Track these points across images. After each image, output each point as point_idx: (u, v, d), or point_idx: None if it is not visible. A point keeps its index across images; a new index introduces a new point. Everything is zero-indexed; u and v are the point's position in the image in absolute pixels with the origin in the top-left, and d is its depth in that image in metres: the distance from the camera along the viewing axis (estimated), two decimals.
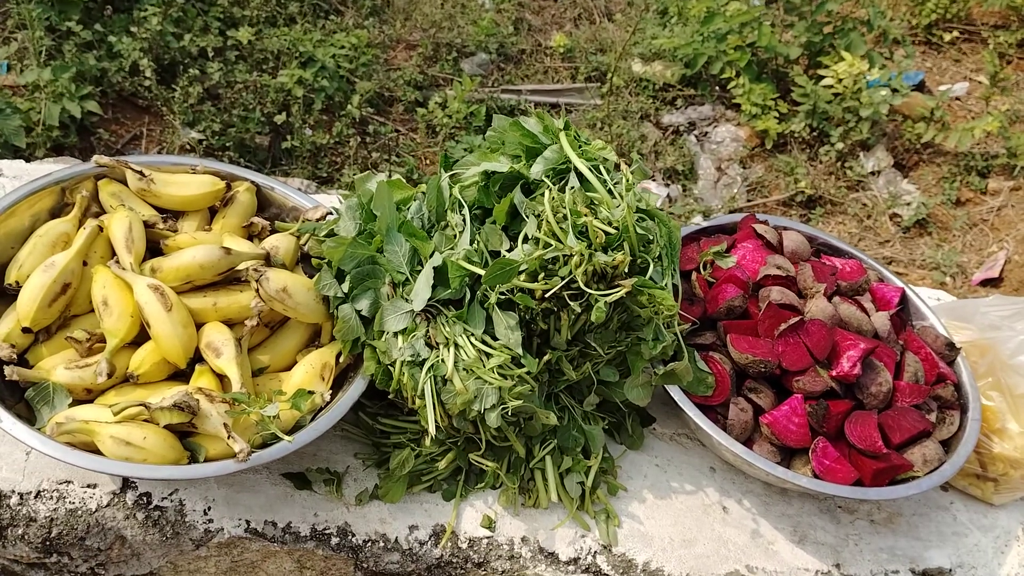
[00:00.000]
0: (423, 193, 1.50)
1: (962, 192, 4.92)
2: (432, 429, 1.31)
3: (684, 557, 1.53)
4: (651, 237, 1.42)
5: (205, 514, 1.39)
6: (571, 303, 1.33)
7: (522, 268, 1.33)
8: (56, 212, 1.54)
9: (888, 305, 1.72)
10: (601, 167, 1.47)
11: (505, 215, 1.41)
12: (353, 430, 1.52)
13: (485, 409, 1.33)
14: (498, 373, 1.34)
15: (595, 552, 1.51)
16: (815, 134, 4.89)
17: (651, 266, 1.40)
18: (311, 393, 1.31)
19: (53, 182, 1.52)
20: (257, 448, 1.27)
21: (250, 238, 1.58)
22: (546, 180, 1.41)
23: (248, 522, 1.40)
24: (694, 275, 1.63)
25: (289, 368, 1.45)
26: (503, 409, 1.35)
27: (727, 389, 1.49)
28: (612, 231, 1.34)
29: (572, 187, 1.41)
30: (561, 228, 1.33)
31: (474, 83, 4.43)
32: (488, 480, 1.50)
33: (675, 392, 1.49)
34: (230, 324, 1.41)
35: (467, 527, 1.48)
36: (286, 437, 1.26)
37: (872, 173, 5.00)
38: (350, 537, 1.43)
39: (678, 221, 1.70)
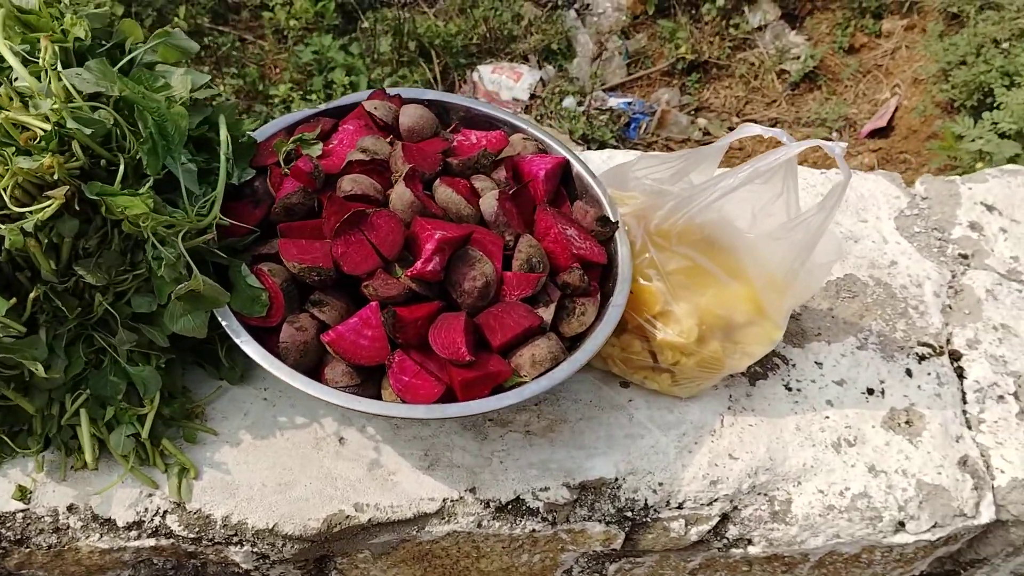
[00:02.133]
0: None
1: (856, 38, 4.56)
2: None
3: (276, 503, 1.31)
4: (120, 129, 1.15)
5: None
6: (2, 226, 1.07)
7: None
8: None
9: (534, 179, 1.45)
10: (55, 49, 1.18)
11: None
12: None
13: None
14: None
15: (164, 512, 1.29)
16: None
17: (122, 165, 1.13)
18: None
19: None
20: None
21: None
22: None
23: None
24: (270, 170, 1.36)
25: None
26: None
27: (281, 306, 1.25)
28: (43, 127, 1.07)
29: (16, 78, 1.13)
30: None
31: None
32: (25, 445, 1.27)
33: (223, 316, 1.25)
34: None
35: None
36: None
37: (759, 28, 4.63)
38: None
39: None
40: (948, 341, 1.67)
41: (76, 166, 1.10)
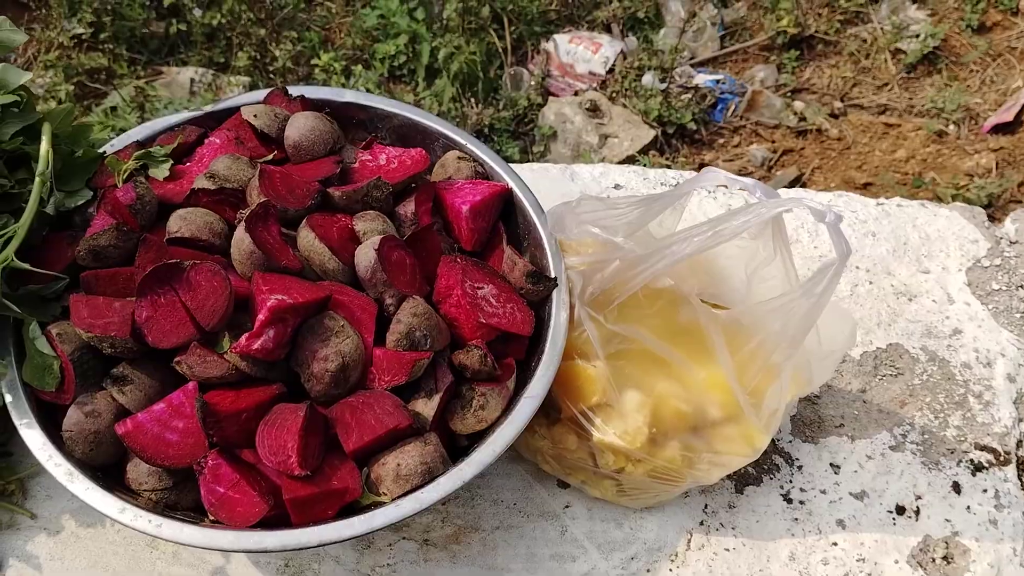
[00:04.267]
0: None
1: (988, 15, 3.95)
2: None
3: None
4: None
5: None
6: None
7: None
8: None
9: (457, 216, 1.11)
10: None
11: None
12: None
13: None
14: None
15: None
16: None
17: None
18: None
19: None
20: None
21: None
22: None
23: None
24: (101, 195, 1.07)
25: None
26: None
27: (71, 381, 0.96)
28: None
29: None
30: None
31: None
32: None
33: (10, 391, 0.97)
34: None
35: None
36: None
37: (874, 0, 4.07)
38: None
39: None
40: (1019, 445, 1.24)
41: None
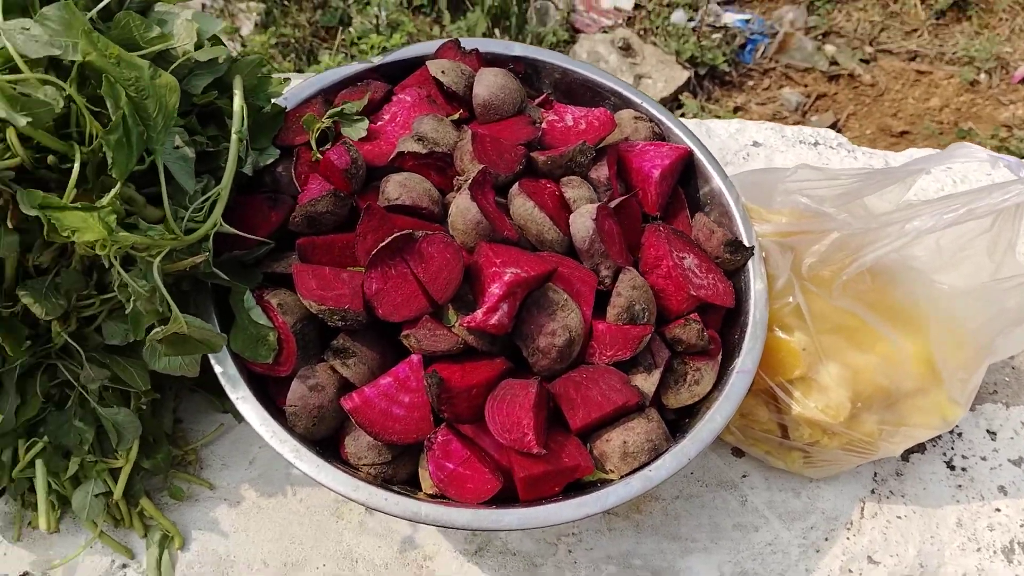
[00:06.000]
0: None
1: None
2: None
3: None
4: (77, 111, 0.82)
5: None
6: None
7: None
8: None
9: (646, 181, 1.08)
10: None
11: None
12: None
13: None
14: None
15: None
16: None
17: (77, 164, 0.80)
18: None
19: None
20: None
21: None
22: None
23: None
24: (296, 154, 1.02)
25: None
26: None
27: (292, 353, 0.92)
28: None
29: None
30: None
31: None
32: None
33: (221, 362, 0.93)
34: None
35: None
36: None
37: None
38: None
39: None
40: None
41: (10, 165, 0.77)
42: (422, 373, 0.91)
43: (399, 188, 0.94)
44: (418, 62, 1.15)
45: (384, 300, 0.90)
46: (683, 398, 0.98)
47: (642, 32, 3.71)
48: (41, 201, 0.77)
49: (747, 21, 3.76)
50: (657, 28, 3.69)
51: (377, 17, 3.36)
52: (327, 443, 0.94)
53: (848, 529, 1.13)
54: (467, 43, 1.15)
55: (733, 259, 1.04)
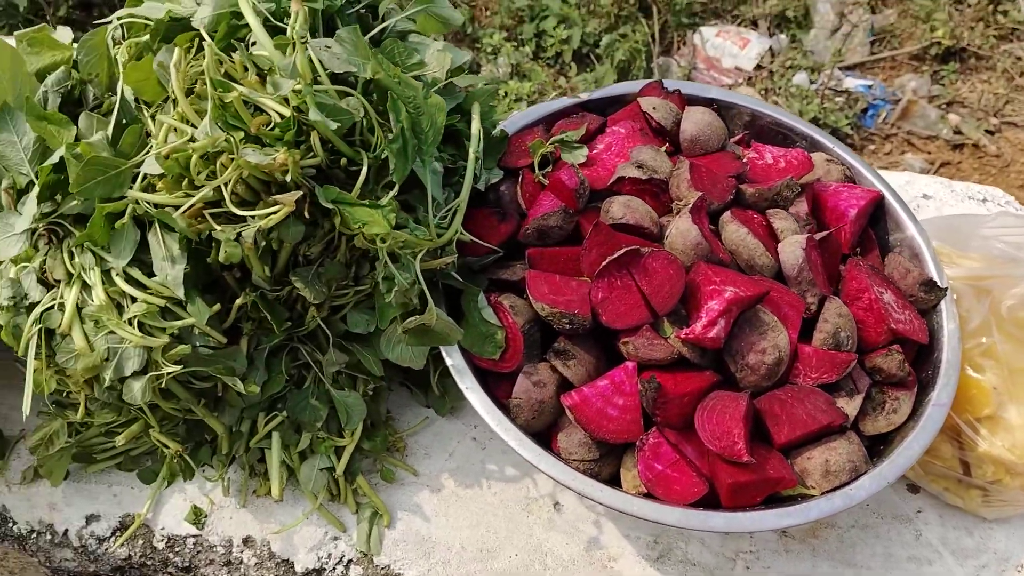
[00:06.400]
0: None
1: None
2: (26, 407, 0.93)
3: (476, 573, 1.10)
4: (368, 120, 0.92)
5: None
6: (218, 227, 0.88)
7: (150, 171, 0.89)
8: None
9: (842, 219, 1.14)
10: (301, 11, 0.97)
11: (157, 86, 0.96)
12: None
13: (125, 377, 0.93)
14: (144, 326, 0.92)
15: (348, 561, 1.10)
16: None
17: (364, 168, 0.91)
18: None
19: None
20: None
21: None
22: (204, 32, 0.93)
23: None
24: (522, 175, 1.12)
25: None
26: (158, 377, 0.94)
27: (519, 351, 1.01)
28: (282, 112, 0.86)
29: (253, 43, 0.93)
30: (194, 109, 0.87)
31: None
32: (209, 459, 1.11)
33: (451, 354, 1.02)
34: None
35: (169, 521, 1.11)
36: None
37: None
38: (11, 525, 1.09)
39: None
40: None
41: (312, 164, 0.88)
42: (636, 379, 0.98)
43: (623, 209, 1.02)
44: (619, 99, 1.25)
45: (608, 308, 0.97)
46: (880, 425, 1.02)
47: (763, 92, 3.77)
48: (336, 196, 0.87)
49: (869, 87, 3.79)
50: (779, 88, 3.75)
51: (512, 67, 3.51)
52: (540, 437, 1.02)
53: (1019, 572, 1.14)
54: (669, 84, 1.24)
55: (927, 298, 1.09)
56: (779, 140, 1.26)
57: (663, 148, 1.15)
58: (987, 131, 3.72)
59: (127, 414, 1.05)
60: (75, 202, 0.93)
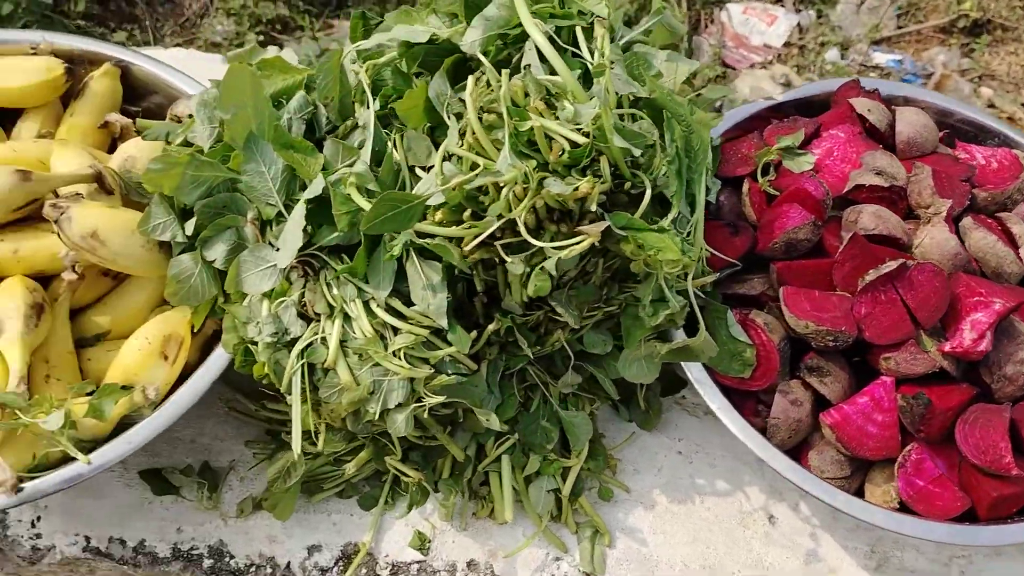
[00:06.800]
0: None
1: None
2: (296, 445, 0.88)
3: None
4: (650, 144, 0.89)
5: (32, 527, 1.05)
6: (508, 258, 0.84)
7: (433, 203, 0.84)
8: None
9: None
10: (580, 31, 0.93)
11: (423, 114, 0.91)
12: (248, 405, 1.12)
13: (388, 410, 0.89)
14: (407, 357, 0.88)
15: None
16: None
17: (647, 192, 0.87)
18: (127, 388, 0.90)
19: None
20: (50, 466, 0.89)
21: (113, 142, 1.15)
22: (482, 56, 0.88)
23: (88, 539, 1.05)
24: (746, 185, 1.09)
25: None
26: (418, 408, 0.90)
27: (773, 370, 0.98)
28: (579, 141, 0.82)
29: (529, 67, 0.88)
30: (491, 139, 0.82)
31: None
32: (433, 483, 1.08)
33: (694, 371, 1.00)
34: (44, 279, 1.00)
35: (391, 548, 1.07)
36: (81, 457, 0.87)
37: None
38: (227, 560, 1.05)
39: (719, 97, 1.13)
40: None
41: (603, 190, 0.84)
42: (895, 394, 0.96)
43: (875, 219, 0.99)
44: (811, 100, 1.22)
45: (872, 323, 0.95)
46: None
47: (795, 68, 3.75)
48: (627, 222, 0.84)
49: (899, 62, 3.78)
50: (813, 65, 3.73)
51: None
52: (789, 456, 1.00)
53: None
54: (867, 83, 1.21)
55: None
56: (972, 136, 1.24)
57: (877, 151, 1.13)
58: (1022, 104, 3.74)
59: (355, 442, 1.01)
60: (335, 234, 0.89)
